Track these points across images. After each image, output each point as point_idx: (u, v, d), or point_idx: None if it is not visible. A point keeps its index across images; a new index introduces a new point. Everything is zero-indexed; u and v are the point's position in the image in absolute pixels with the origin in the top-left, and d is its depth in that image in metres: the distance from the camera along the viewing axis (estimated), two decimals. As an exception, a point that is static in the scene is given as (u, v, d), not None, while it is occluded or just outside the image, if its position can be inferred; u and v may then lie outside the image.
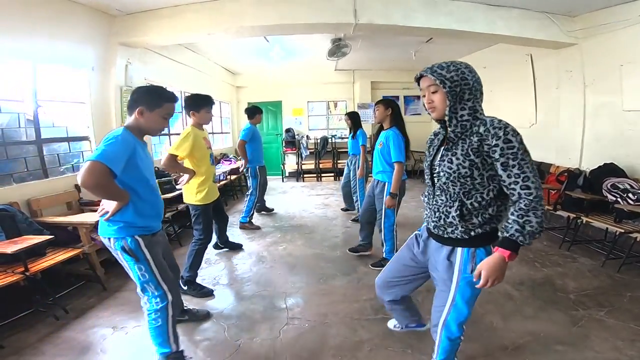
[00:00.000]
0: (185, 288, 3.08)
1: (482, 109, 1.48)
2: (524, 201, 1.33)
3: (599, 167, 4.20)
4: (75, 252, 3.08)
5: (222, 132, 9.36)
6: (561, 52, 5.05)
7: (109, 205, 1.85)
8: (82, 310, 2.88)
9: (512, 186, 1.35)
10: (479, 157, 1.39)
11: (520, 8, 4.58)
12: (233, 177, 7.25)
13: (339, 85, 9.78)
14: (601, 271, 3.40)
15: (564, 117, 5.15)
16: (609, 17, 4.27)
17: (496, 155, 1.35)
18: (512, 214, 1.36)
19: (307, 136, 9.74)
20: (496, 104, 6.79)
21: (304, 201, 6.95)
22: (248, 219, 5.17)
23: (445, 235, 1.54)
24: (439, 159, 1.54)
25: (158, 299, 1.98)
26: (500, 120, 1.37)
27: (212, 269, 3.72)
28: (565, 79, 5.08)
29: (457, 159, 1.43)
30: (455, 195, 1.47)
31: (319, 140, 9.49)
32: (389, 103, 3.46)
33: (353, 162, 5.45)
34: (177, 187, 3.58)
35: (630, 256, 3.39)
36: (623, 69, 4.20)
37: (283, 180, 9.51)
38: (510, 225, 1.35)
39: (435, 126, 1.76)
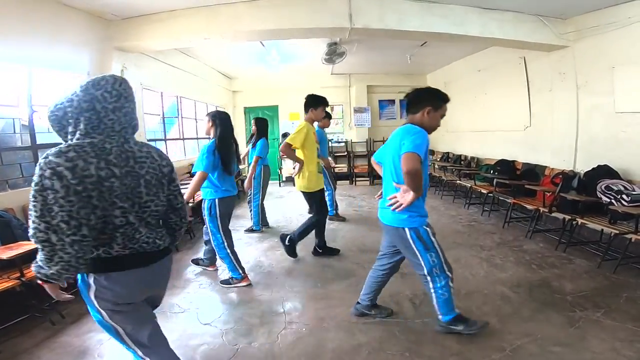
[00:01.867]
0: (320, 251, 4.06)
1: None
2: None
3: (593, 168, 4.24)
4: (71, 257, 3.05)
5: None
6: (554, 55, 5.10)
7: (402, 197, 2.15)
8: (78, 315, 2.86)
9: None
10: None
11: (514, 11, 4.62)
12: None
13: (335, 89, 9.80)
14: (597, 272, 3.42)
15: (557, 119, 5.19)
16: (600, 19, 4.32)
17: None
18: None
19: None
20: (490, 107, 6.85)
21: (301, 206, 6.93)
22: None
23: None
24: None
25: (442, 278, 2.31)
26: (53, 149, 1.23)
27: (210, 274, 3.71)
28: (558, 82, 5.12)
29: None
30: None
31: (315, 144, 9.47)
32: (213, 116, 3.29)
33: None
34: (293, 175, 3.92)
35: (625, 257, 3.40)
36: (615, 70, 4.24)
37: (280, 185, 9.51)
38: None
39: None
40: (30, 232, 1.19)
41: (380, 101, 9.89)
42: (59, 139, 1.34)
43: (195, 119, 7.84)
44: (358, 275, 3.54)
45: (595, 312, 2.68)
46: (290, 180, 9.70)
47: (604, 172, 4.10)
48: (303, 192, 3.91)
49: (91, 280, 1.37)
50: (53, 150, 1.22)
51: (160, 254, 1.49)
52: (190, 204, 3.31)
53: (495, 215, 5.64)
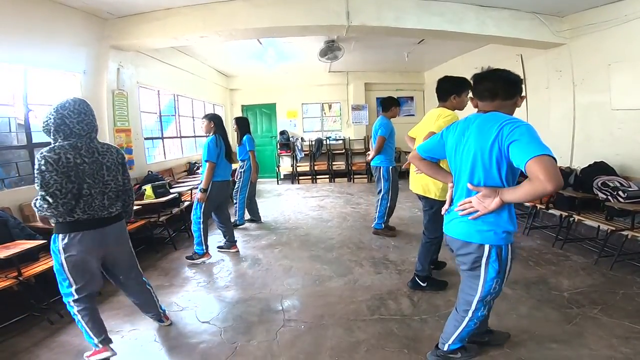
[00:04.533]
0: (424, 285, 3.10)
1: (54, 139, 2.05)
2: None
3: (590, 165, 4.26)
4: (69, 257, 3.06)
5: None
6: (551, 52, 5.12)
7: (480, 203, 1.68)
8: (76, 315, 2.85)
9: None
10: None
11: (511, 9, 4.63)
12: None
13: (333, 87, 9.80)
14: (594, 269, 3.43)
15: (554, 117, 5.21)
16: (596, 17, 4.34)
17: None
18: None
19: (301, 138, 9.74)
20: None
21: (299, 203, 6.95)
22: (383, 225, 4.67)
23: None
24: None
25: (485, 309, 1.93)
26: (45, 149, 1.96)
27: (208, 272, 3.71)
28: (555, 79, 5.14)
29: None
30: None
31: (313, 142, 9.49)
32: (212, 118, 3.96)
33: (243, 167, 5.17)
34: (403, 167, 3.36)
35: (622, 253, 3.42)
36: (611, 68, 4.26)
37: (278, 183, 9.51)
38: None
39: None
40: (38, 196, 1.92)
41: (377, 99, 9.88)
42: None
43: (193, 118, 7.81)
44: (355, 273, 3.55)
45: (592, 309, 2.69)
46: (287, 178, 9.71)
47: (600, 168, 4.12)
48: (427, 198, 3.03)
49: (59, 238, 2.01)
50: (47, 148, 1.94)
51: (112, 219, 2.17)
52: (203, 192, 3.75)
53: (492, 212, 5.64)
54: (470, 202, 1.73)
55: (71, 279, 2.06)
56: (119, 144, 4.74)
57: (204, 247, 3.91)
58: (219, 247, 4.28)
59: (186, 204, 4.92)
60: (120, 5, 4.16)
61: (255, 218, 5.49)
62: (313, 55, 6.45)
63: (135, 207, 3.95)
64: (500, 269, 1.77)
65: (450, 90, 2.97)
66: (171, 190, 4.70)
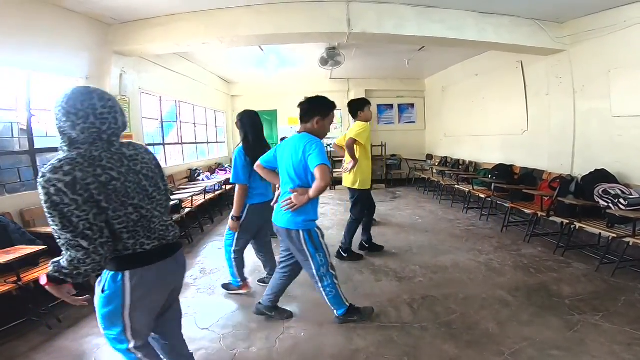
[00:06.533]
0: (345, 255, 4.00)
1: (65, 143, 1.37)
2: None
3: (591, 173, 4.25)
4: (69, 262, 3.04)
5: (217, 142, 9.37)
6: (551, 59, 5.13)
7: (297, 199, 2.31)
8: (75, 319, 2.85)
9: None
10: None
11: (510, 15, 4.66)
12: (228, 187, 7.21)
13: (334, 94, 9.71)
14: (596, 276, 3.42)
15: (554, 124, 5.21)
16: (596, 23, 4.35)
17: None
18: None
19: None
20: (488, 111, 6.88)
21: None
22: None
23: None
24: None
25: (329, 277, 2.57)
26: (47, 166, 1.27)
27: (208, 279, 3.69)
28: (555, 85, 5.15)
29: None
30: None
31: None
32: (239, 117, 3.10)
33: None
34: (346, 172, 4.03)
35: (623, 260, 3.41)
36: (611, 74, 4.27)
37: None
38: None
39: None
40: (61, 242, 1.27)
41: (378, 105, 9.91)
42: (56, 144, 1.38)
43: (194, 124, 7.84)
44: (355, 280, 3.53)
45: (593, 316, 2.68)
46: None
47: (601, 176, 4.11)
48: (352, 189, 4.03)
49: (126, 278, 1.43)
50: (47, 167, 1.26)
51: (177, 245, 1.62)
52: (234, 220, 2.97)
53: (493, 219, 5.64)
54: (291, 199, 2.33)
55: (128, 323, 1.50)
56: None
57: (240, 279, 3.24)
58: (232, 286, 3.34)
59: (187, 210, 4.92)
60: (124, 10, 4.20)
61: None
62: (314, 62, 6.48)
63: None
64: (317, 247, 2.48)
65: (355, 108, 3.97)
66: (172, 197, 4.70)
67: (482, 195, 5.70)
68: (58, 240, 1.28)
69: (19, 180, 3.55)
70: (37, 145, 3.72)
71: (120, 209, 1.36)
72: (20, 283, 2.56)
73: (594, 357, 2.19)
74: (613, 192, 3.76)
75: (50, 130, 3.93)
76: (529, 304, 2.92)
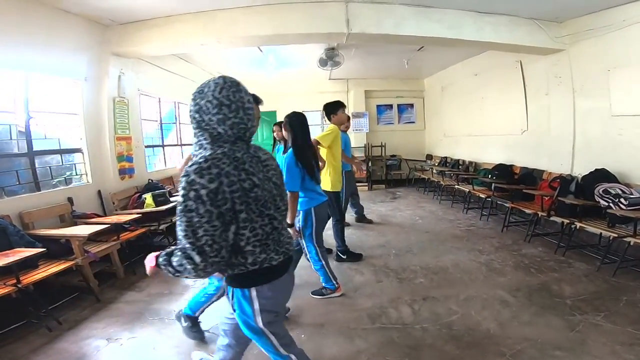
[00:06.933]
0: (344, 257, 4.09)
1: (206, 140, 1.28)
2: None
3: (591, 172, 4.24)
4: (68, 264, 3.04)
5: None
6: (550, 58, 5.12)
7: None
8: (75, 321, 2.85)
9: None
10: None
11: (509, 15, 4.64)
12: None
13: (333, 94, 9.76)
14: (597, 276, 3.41)
15: (554, 123, 5.20)
16: (595, 22, 4.34)
17: None
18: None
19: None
20: (487, 111, 6.87)
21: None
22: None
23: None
24: None
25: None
26: (192, 164, 1.18)
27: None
28: (554, 85, 5.14)
29: None
30: None
31: (314, 149, 9.47)
32: (287, 119, 3.02)
33: None
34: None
35: (624, 260, 3.40)
36: (610, 74, 4.26)
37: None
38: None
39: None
40: (178, 240, 1.20)
41: (378, 106, 9.90)
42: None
43: (193, 125, 7.82)
44: (356, 281, 3.53)
45: (595, 316, 2.67)
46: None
47: (601, 175, 4.10)
48: (325, 191, 3.85)
49: (254, 294, 1.34)
50: (192, 166, 1.17)
51: (291, 257, 1.50)
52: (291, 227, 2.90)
53: (493, 219, 5.64)
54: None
55: (271, 336, 1.46)
56: (120, 152, 4.75)
57: (334, 282, 3.20)
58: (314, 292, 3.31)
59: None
60: (121, 12, 4.19)
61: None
62: (313, 62, 6.48)
63: (135, 216, 3.98)
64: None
65: (328, 111, 3.93)
66: (171, 199, 4.70)
67: (482, 195, 5.69)
68: (178, 242, 1.21)
69: (17, 183, 3.54)
70: (35, 148, 3.70)
71: (257, 219, 1.26)
72: (19, 285, 2.56)
73: (595, 358, 2.18)
74: (613, 192, 3.75)
75: (48, 132, 3.92)
76: (530, 304, 2.91)
